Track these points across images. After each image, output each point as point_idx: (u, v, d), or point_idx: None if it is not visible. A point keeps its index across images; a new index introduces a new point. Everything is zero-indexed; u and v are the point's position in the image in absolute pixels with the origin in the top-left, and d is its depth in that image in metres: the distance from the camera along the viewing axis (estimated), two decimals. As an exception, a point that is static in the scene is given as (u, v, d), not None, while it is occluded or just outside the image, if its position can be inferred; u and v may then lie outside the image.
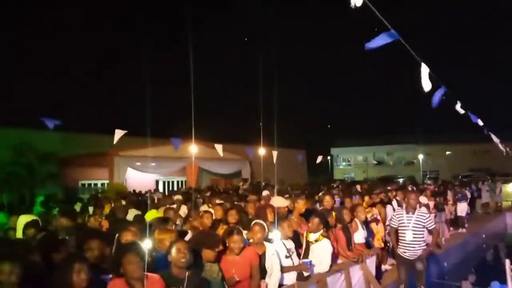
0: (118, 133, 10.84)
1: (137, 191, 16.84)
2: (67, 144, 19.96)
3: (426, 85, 5.69)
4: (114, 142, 9.52)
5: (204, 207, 8.77)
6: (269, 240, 5.37)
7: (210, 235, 4.79)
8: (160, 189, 22.99)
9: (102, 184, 21.51)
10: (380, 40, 4.52)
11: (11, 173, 17.67)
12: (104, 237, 4.68)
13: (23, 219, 6.00)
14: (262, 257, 5.00)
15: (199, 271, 4.24)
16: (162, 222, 5.63)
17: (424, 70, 5.74)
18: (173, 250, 3.95)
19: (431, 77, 5.96)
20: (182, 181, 25.16)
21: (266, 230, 5.28)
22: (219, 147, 16.67)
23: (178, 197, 10.14)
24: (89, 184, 22.39)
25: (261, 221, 5.36)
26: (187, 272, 3.92)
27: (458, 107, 8.40)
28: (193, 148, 17.07)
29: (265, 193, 10.42)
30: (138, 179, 20.92)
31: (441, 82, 6.99)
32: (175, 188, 23.94)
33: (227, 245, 4.78)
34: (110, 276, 3.69)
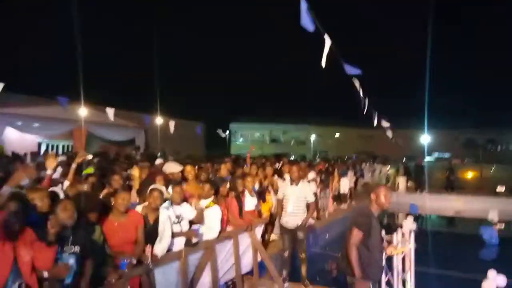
0: (-3, 86, 9.63)
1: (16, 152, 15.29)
2: None
3: (324, 60, 5.80)
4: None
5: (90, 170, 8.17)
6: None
7: (90, 197, 4.48)
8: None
9: (-25, 144, 19.24)
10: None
11: None
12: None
13: None
14: (155, 222, 4.93)
15: (83, 232, 3.95)
16: (34, 182, 5.21)
17: (326, 44, 5.81)
18: (59, 209, 3.68)
19: (331, 54, 6.05)
20: (68, 145, 23.50)
21: (164, 196, 5.17)
22: (110, 111, 15.80)
23: (62, 158, 9.35)
24: (-41, 143, 19.87)
25: (159, 187, 5.19)
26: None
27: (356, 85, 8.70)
28: (82, 111, 16.01)
29: (158, 161, 10.12)
30: (18, 140, 19.04)
31: (342, 61, 7.16)
32: (60, 153, 22.27)
33: (112, 205, 4.59)
34: None
